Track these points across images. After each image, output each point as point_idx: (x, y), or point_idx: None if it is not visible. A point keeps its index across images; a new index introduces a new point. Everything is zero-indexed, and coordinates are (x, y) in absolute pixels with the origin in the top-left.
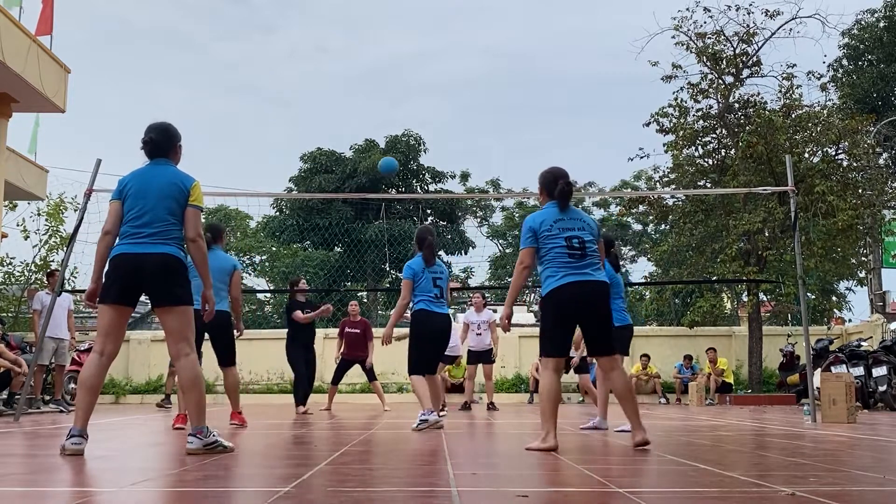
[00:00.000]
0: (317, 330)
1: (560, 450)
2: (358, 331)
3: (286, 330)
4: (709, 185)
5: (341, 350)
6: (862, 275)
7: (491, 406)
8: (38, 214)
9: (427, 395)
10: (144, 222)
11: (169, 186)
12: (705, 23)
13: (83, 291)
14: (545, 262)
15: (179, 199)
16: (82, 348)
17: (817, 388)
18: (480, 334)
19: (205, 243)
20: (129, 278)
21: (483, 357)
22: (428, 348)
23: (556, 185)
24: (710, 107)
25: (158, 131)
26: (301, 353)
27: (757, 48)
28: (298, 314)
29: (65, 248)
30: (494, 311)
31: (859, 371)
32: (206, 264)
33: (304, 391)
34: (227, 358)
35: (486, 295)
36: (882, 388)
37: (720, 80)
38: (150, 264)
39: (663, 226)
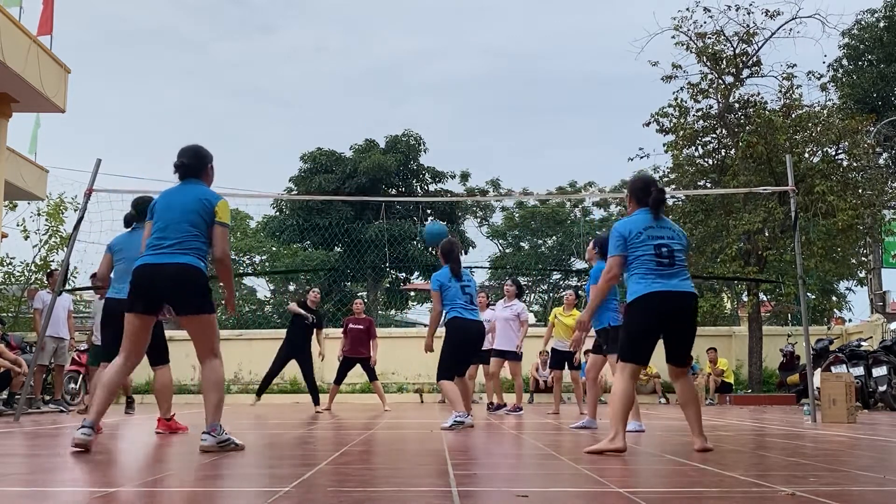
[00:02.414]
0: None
1: (559, 450)
2: (361, 327)
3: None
4: (709, 185)
5: (343, 348)
6: (862, 275)
7: (491, 406)
8: (38, 214)
9: (459, 398)
10: (166, 234)
11: (194, 202)
12: (705, 23)
13: (83, 289)
14: (632, 268)
15: (203, 214)
16: (82, 348)
17: (817, 388)
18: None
19: (229, 260)
20: (149, 289)
21: (482, 357)
22: (461, 354)
23: (649, 193)
24: (710, 107)
25: (189, 155)
26: (287, 351)
27: (757, 48)
28: (293, 305)
29: (65, 248)
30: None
31: (859, 371)
32: (230, 283)
33: (313, 392)
34: (158, 356)
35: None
36: (882, 388)
37: (720, 80)
38: (168, 274)
39: None
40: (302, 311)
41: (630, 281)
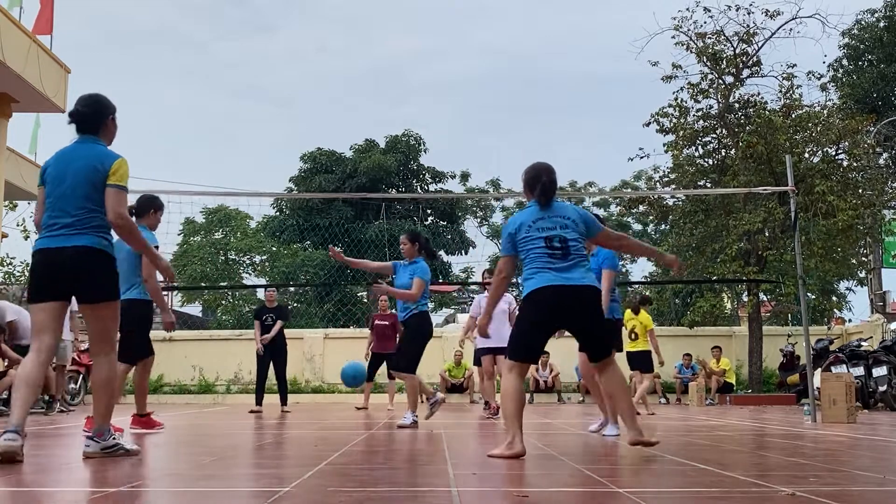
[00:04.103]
0: (315, 330)
1: (560, 450)
2: (387, 323)
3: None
4: (709, 185)
5: (370, 346)
6: (862, 275)
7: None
8: None
9: (419, 398)
10: (60, 212)
11: (86, 169)
12: (705, 23)
13: None
14: (526, 263)
15: (97, 181)
16: (84, 348)
17: (817, 388)
18: None
19: (128, 222)
20: (47, 276)
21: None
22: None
23: (540, 181)
24: (710, 107)
25: (86, 103)
26: (263, 355)
27: (757, 48)
28: (257, 327)
29: None
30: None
31: (859, 371)
32: (138, 242)
33: (282, 392)
34: (132, 352)
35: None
36: (882, 388)
37: (720, 80)
38: (66, 259)
39: (663, 226)
40: (260, 348)
41: (524, 276)
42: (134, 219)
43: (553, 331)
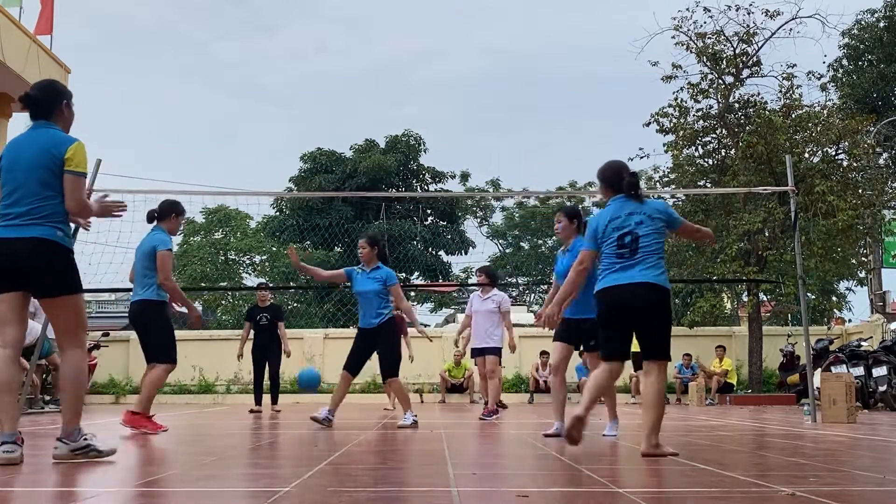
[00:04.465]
0: (315, 330)
1: (560, 450)
2: None
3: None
4: (709, 185)
5: None
6: (862, 275)
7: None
8: None
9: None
10: (14, 200)
11: (40, 154)
12: (705, 23)
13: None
14: (600, 261)
15: (52, 167)
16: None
17: (817, 388)
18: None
19: (82, 205)
20: (2, 266)
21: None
22: None
23: (622, 179)
24: (710, 107)
25: (38, 88)
26: (258, 354)
27: (757, 48)
28: (246, 329)
29: None
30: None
31: (859, 371)
32: (87, 212)
33: (274, 391)
34: (151, 353)
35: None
36: (882, 388)
37: (720, 80)
38: (22, 251)
39: None
40: (241, 354)
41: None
42: (156, 222)
43: (626, 328)
